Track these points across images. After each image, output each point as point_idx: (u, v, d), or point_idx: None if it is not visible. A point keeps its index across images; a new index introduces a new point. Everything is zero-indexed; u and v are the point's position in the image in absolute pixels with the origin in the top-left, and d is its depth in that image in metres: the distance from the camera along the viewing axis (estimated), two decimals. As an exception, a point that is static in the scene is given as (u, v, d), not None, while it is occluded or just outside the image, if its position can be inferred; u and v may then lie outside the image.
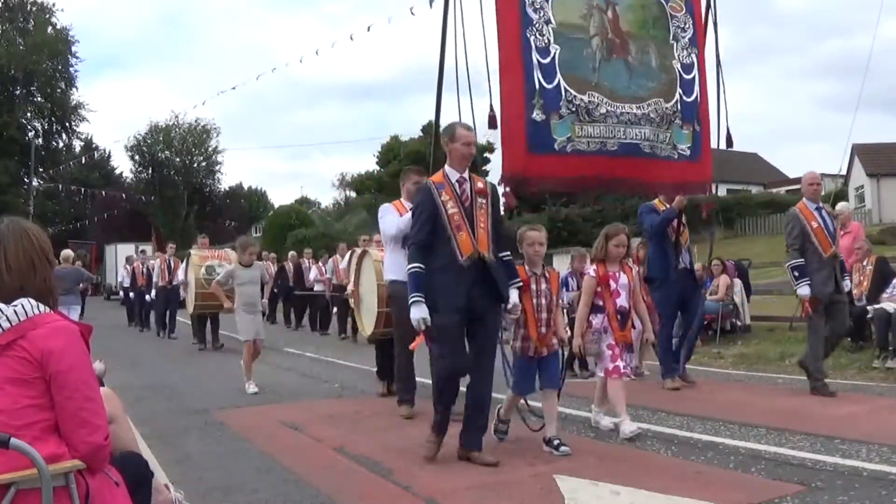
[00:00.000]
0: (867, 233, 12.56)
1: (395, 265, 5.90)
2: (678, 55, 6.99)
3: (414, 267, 4.43)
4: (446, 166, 4.63)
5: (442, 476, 4.33)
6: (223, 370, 10.11)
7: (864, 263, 9.19)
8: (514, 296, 4.59)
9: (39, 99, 46.51)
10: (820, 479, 4.04)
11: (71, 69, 46.90)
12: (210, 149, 52.44)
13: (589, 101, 6.39)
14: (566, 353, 5.18)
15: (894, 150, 31.17)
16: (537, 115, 6.15)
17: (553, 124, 6.20)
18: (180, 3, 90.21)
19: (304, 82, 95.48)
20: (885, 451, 4.59)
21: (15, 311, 2.17)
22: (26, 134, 45.03)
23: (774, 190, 39.82)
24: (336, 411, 6.58)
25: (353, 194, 49.47)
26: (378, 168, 39.65)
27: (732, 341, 10.75)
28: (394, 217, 6.05)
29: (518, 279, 4.67)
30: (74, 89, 47.88)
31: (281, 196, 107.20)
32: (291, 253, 18.13)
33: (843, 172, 31.25)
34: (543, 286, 4.85)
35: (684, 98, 6.91)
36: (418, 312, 4.34)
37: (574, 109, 6.33)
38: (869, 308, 8.45)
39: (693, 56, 7.06)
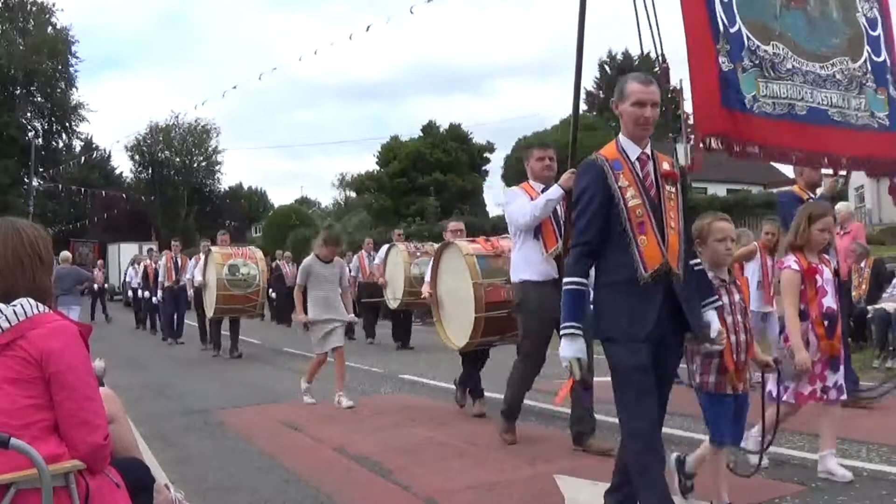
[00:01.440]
0: (867, 233, 12.56)
1: (527, 261, 4.95)
2: (861, 7, 5.95)
3: (572, 283, 3.09)
4: (620, 137, 3.25)
5: (442, 476, 4.33)
6: (224, 371, 10.13)
7: (862, 266, 9.22)
8: (714, 320, 3.30)
9: (39, 99, 46.59)
10: (820, 479, 4.04)
11: (71, 69, 47.13)
12: (210, 149, 52.56)
13: (774, 54, 5.26)
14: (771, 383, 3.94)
15: (894, 150, 31.18)
16: (724, 63, 5.01)
17: (740, 77, 5.08)
18: (180, 3, 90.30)
19: (304, 82, 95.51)
20: (884, 451, 4.59)
21: (14, 311, 2.17)
22: (26, 134, 45.09)
23: (775, 190, 39.81)
24: (336, 411, 6.58)
25: (353, 194, 49.49)
26: (378, 168, 39.63)
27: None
28: (525, 201, 4.97)
29: (715, 297, 3.38)
30: (74, 89, 48.13)
31: (281, 196, 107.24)
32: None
33: (844, 172, 31.23)
34: (737, 297, 3.58)
35: (873, 58, 5.88)
36: (572, 349, 3.03)
37: (757, 62, 5.17)
38: (869, 308, 8.50)
39: (875, 10, 6.06)
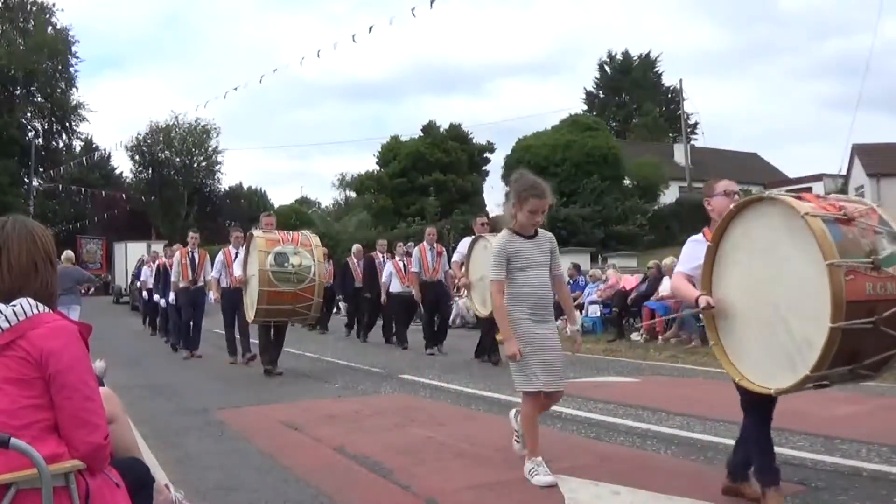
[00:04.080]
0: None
1: None
2: None
3: None
4: None
5: (442, 476, 4.33)
6: (224, 371, 10.12)
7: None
8: None
9: (39, 99, 46.64)
10: (820, 479, 4.04)
11: (71, 69, 47.21)
12: (210, 149, 52.52)
13: None
14: None
15: (894, 150, 31.19)
16: None
17: None
18: (181, 4, 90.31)
19: (305, 82, 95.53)
20: (885, 451, 4.59)
21: (14, 311, 2.17)
22: (26, 134, 45.18)
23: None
24: (336, 411, 6.57)
25: (353, 194, 49.48)
26: (378, 168, 39.64)
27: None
28: None
29: None
30: (74, 89, 48.20)
31: (281, 196, 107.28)
32: (356, 247, 15.49)
33: (844, 172, 31.36)
34: None
35: None
36: None
37: None
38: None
39: None
